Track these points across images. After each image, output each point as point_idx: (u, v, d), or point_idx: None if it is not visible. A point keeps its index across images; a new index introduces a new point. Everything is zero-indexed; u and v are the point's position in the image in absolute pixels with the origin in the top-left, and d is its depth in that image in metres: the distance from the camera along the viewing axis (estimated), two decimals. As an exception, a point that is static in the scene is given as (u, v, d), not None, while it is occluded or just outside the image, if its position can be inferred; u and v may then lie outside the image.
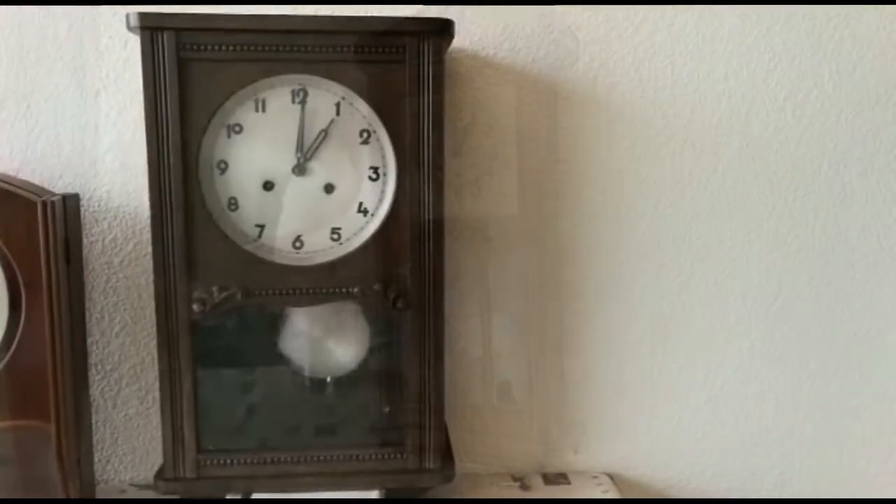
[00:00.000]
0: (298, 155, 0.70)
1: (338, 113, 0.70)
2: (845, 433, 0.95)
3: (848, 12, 0.87)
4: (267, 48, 0.67)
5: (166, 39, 0.66)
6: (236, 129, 0.69)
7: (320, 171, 0.71)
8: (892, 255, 0.92)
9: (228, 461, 0.73)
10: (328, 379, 0.78)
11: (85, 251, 0.82)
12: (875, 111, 0.89)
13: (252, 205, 0.71)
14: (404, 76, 0.69)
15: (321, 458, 0.74)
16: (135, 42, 0.71)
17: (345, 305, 0.75)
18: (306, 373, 0.78)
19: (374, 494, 0.73)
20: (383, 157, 0.71)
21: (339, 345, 0.78)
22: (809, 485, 0.95)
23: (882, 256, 0.92)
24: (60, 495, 0.72)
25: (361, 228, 0.72)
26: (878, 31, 0.88)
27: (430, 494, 0.79)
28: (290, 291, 0.71)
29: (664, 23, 0.86)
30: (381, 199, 0.72)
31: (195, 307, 0.70)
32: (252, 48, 0.67)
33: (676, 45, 0.86)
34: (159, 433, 0.73)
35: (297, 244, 0.72)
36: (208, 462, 0.73)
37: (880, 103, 0.89)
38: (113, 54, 0.81)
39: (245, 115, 0.69)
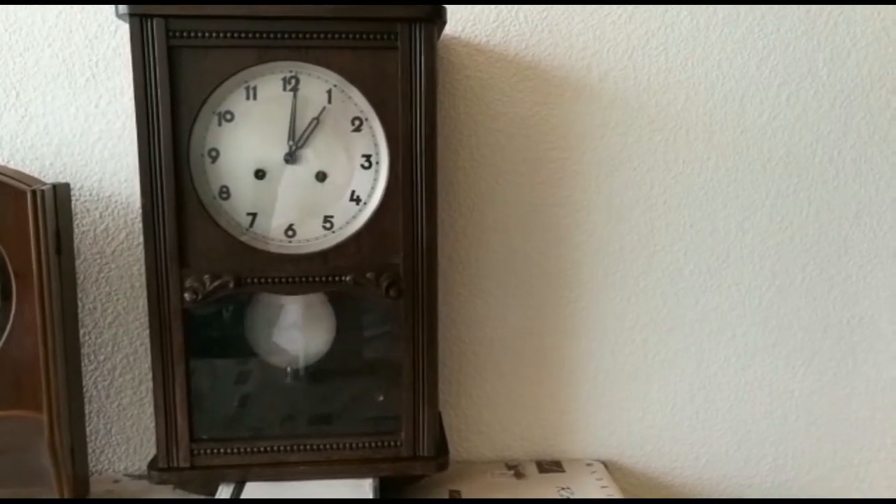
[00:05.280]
0: (290, 143, 0.70)
1: (329, 100, 0.70)
2: (839, 420, 0.95)
3: (842, -2, 0.87)
4: (257, 35, 0.66)
5: (155, 26, 0.65)
6: (227, 116, 0.69)
7: (312, 159, 0.71)
8: (884, 242, 0.92)
9: (222, 450, 0.73)
10: (288, 369, 0.78)
11: (77, 241, 0.81)
12: (869, 98, 0.89)
13: (244, 193, 0.70)
14: (396, 63, 0.68)
15: (315, 446, 0.74)
16: (124, 29, 0.70)
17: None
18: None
19: (367, 483, 0.74)
20: (376, 145, 0.71)
21: (313, 333, 0.78)
22: (803, 472, 0.96)
23: (875, 244, 0.92)
24: (53, 486, 0.72)
25: (354, 217, 0.72)
26: (872, 18, 0.88)
27: (425, 482, 0.80)
28: (283, 280, 0.71)
29: (658, 10, 0.86)
30: (373, 187, 0.71)
31: (187, 296, 0.69)
32: (242, 35, 0.66)
33: (670, 32, 0.86)
34: (153, 423, 0.73)
35: (290, 233, 0.71)
36: (202, 451, 0.73)
37: (874, 90, 0.89)
38: (102, 42, 0.80)
39: (236, 102, 0.69)
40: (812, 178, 0.90)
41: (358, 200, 0.72)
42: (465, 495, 0.80)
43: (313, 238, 0.72)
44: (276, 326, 0.77)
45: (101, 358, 0.85)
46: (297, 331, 0.77)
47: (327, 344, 0.78)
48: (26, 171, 0.79)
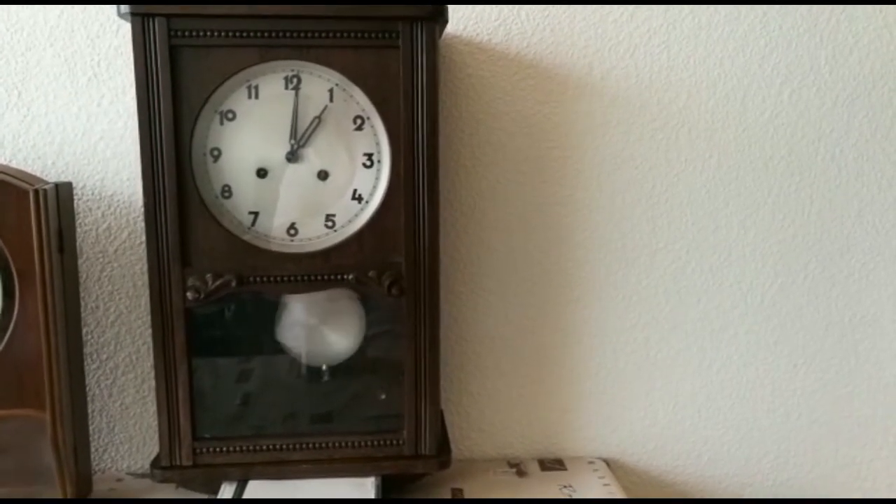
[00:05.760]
0: (292, 142, 0.70)
1: (331, 99, 0.70)
2: (840, 418, 0.95)
3: (844, -4, 0.87)
4: (259, 34, 0.67)
5: (157, 25, 0.65)
6: (229, 115, 0.69)
7: (314, 158, 0.71)
8: (886, 240, 0.92)
9: (224, 449, 0.73)
10: (324, 367, 0.78)
11: (79, 240, 0.81)
12: (871, 96, 0.89)
13: (246, 192, 0.70)
14: (398, 62, 0.68)
15: (317, 445, 0.74)
16: (126, 29, 0.70)
17: (340, 293, 0.75)
18: (303, 360, 0.78)
19: (370, 481, 0.74)
20: (377, 144, 0.71)
21: (335, 333, 0.78)
22: (805, 470, 0.96)
23: (877, 242, 0.92)
24: (56, 484, 0.72)
25: (356, 215, 0.72)
26: (874, 16, 0.88)
27: (427, 481, 0.80)
28: (285, 279, 0.71)
29: (659, 7, 0.85)
30: (375, 185, 0.71)
31: (190, 295, 0.70)
32: (244, 34, 0.66)
33: (672, 29, 0.86)
34: (156, 422, 0.73)
35: (292, 231, 0.72)
36: (204, 450, 0.73)
37: (876, 88, 0.89)
38: (104, 41, 0.80)
39: (238, 101, 0.69)
40: (814, 177, 0.90)
41: (360, 199, 0.72)
42: (468, 494, 0.80)
43: (315, 237, 0.72)
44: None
45: (104, 357, 0.85)
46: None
47: (355, 346, 0.78)
48: (29, 170, 0.79)
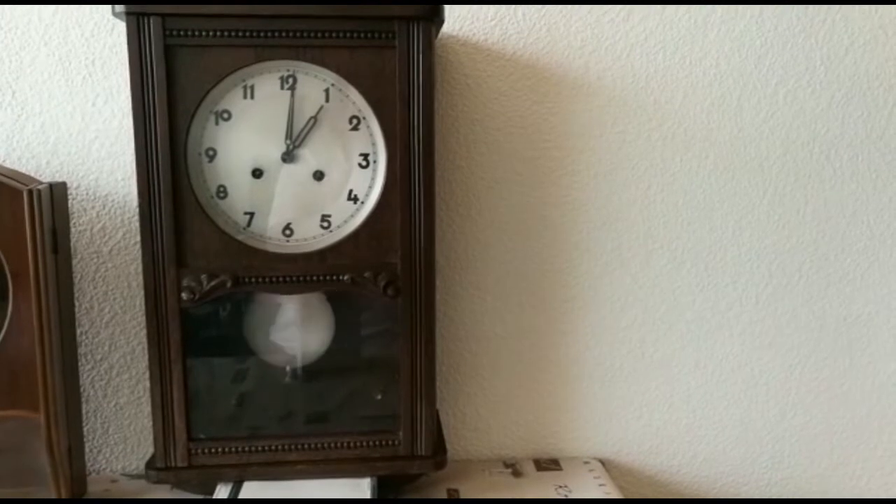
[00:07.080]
0: (288, 142, 0.70)
1: (327, 99, 0.70)
2: (835, 418, 0.95)
3: (839, -3, 0.87)
4: (255, 34, 0.66)
5: (152, 24, 0.65)
6: (224, 115, 0.69)
7: (310, 158, 0.70)
8: (881, 240, 0.92)
9: (219, 449, 0.73)
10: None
11: (73, 240, 0.81)
12: (866, 97, 0.89)
13: (241, 192, 0.70)
14: (394, 62, 0.68)
15: (313, 445, 0.74)
16: (121, 28, 0.70)
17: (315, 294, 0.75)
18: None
19: (365, 482, 0.74)
20: (373, 144, 0.71)
21: (309, 330, 0.78)
22: (800, 469, 0.96)
23: (872, 242, 0.92)
24: (51, 485, 0.72)
25: (351, 216, 0.72)
26: (870, 17, 0.88)
27: (422, 481, 0.80)
28: (280, 279, 0.71)
29: (656, 8, 0.85)
30: (371, 186, 0.71)
31: (184, 296, 0.69)
32: (240, 33, 0.66)
33: (668, 30, 0.86)
34: (150, 422, 0.73)
35: (287, 232, 0.71)
36: (199, 450, 0.73)
37: (871, 89, 0.89)
38: (99, 41, 0.80)
39: (233, 101, 0.69)
40: (809, 177, 0.90)
41: (355, 199, 0.72)
42: (463, 494, 0.80)
43: (311, 237, 0.72)
44: (273, 325, 0.77)
45: (98, 357, 0.85)
46: (295, 329, 0.77)
47: (325, 343, 0.78)
48: (23, 170, 0.79)
